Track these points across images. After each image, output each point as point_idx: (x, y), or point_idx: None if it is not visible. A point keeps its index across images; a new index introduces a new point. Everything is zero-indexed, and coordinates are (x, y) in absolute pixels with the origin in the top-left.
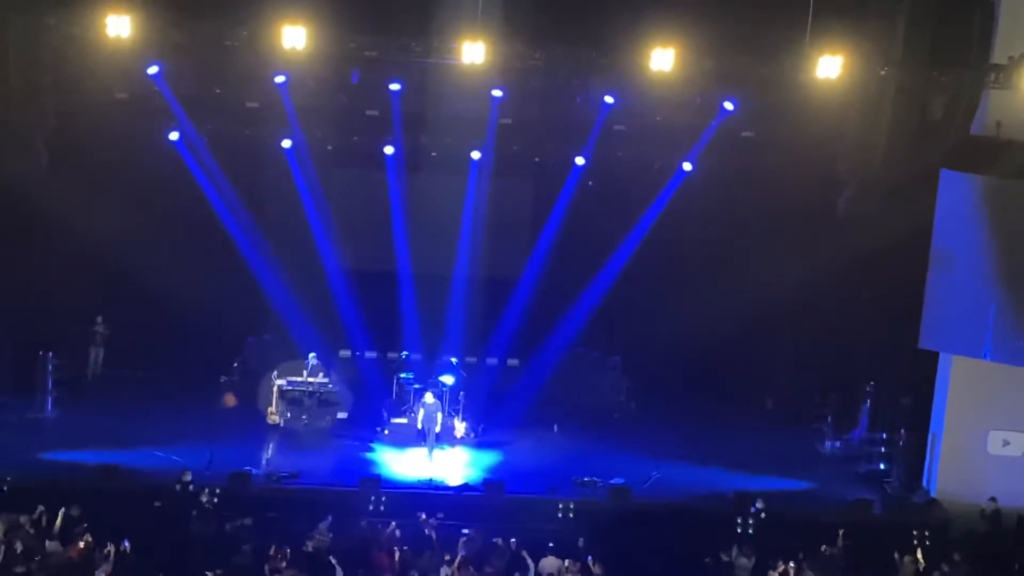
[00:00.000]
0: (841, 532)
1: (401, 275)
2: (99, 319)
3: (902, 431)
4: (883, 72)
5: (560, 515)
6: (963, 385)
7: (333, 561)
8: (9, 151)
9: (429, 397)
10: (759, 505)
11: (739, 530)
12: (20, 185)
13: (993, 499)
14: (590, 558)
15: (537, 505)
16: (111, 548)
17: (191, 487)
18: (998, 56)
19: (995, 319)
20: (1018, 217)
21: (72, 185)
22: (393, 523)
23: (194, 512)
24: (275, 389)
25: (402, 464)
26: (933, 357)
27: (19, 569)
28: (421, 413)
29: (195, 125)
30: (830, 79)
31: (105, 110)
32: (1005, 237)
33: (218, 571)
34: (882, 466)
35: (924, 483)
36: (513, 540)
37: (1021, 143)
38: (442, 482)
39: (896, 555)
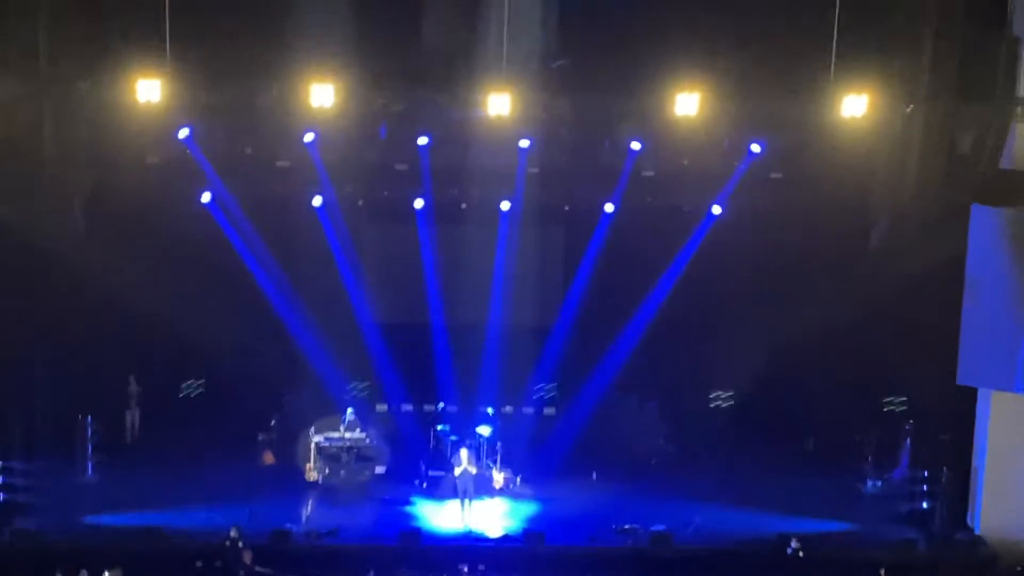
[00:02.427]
0: (883, 571)
1: (435, 327)
2: (131, 379)
3: (944, 469)
4: (909, 109)
5: None
6: (1004, 420)
7: None
8: (46, 218)
9: (464, 453)
10: (795, 545)
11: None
12: (57, 251)
13: None
14: None
15: (578, 554)
16: None
17: (241, 544)
18: None
19: None
20: None
21: (108, 250)
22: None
23: (241, 572)
24: (313, 445)
25: (442, 517)
26: (972, 393)
27: None
28: (458, 470)
29: (227, 186)
30: (856, 118)
31: (139, 174)
32: None
33: None
34: (925, 505)
35: (968, 521)
36: None
37: None
38: (482, 534)
39: None
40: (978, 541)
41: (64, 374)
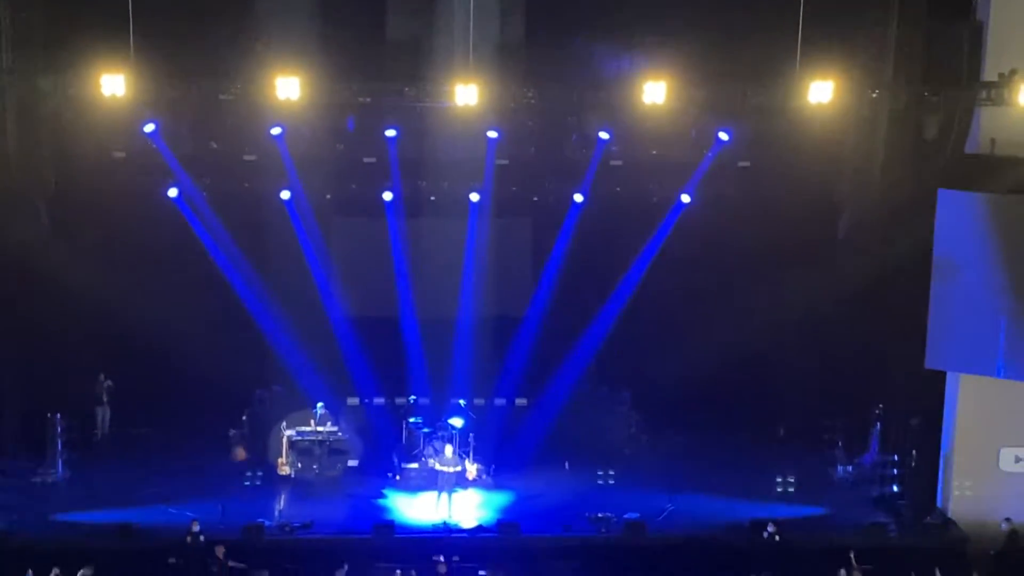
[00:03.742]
0: (852, 554)
1: (405, 320)
2: (101, 376)
3: (913, 452)
4: (874, 94)
5: None
6: (971, 403)
7: None
8: (11, 215)
9: (449, 450)
10: (771, 529)
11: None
12: (23, 249)
13: (1008, 520)
14: None
15: (553, 544)
16: None
17: (202, 538)
18: (988, 73)
19: (1006, 336)
20: (1019, 231)
21: (74, 246)
22: (399, 570)
23: (214, 568)
24: (285, 440)
25: (416, 509)
26: (940, 376)
27: None
28: (440, 466)
29: (194, 180)
30: (822, 104)
31: (104, 169)
32: (1009, 252)
33: None
34: (895, 488)
35: (939, 504)
36: None
37: (1016, 159)
38: (456, 525)
39: None
40: (948, 524)
41: (32, 371)
